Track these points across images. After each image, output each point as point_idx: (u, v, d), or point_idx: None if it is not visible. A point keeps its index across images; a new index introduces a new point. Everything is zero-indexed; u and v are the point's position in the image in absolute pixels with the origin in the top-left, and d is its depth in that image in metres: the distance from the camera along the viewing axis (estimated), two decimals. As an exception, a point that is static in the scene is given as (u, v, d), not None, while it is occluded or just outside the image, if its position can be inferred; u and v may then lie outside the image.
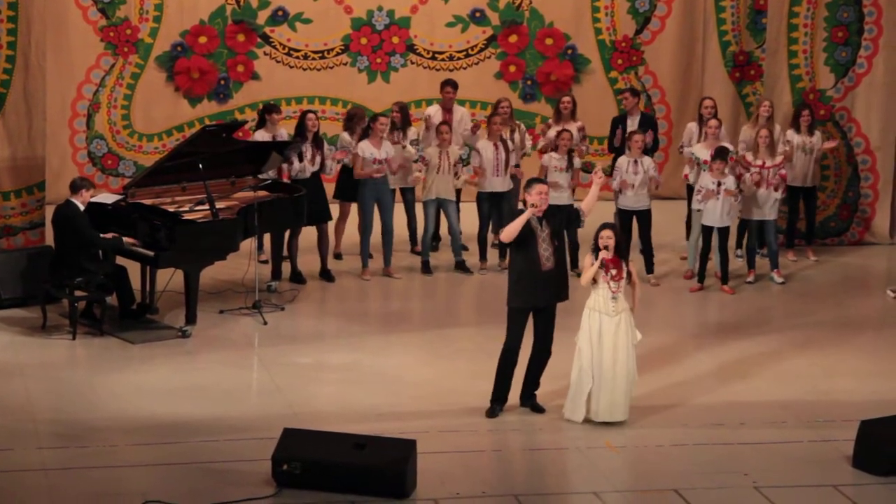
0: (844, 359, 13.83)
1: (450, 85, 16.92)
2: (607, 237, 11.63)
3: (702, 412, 12.25)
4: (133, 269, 14.28)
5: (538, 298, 11.73)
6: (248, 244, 14.72)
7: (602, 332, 11.68)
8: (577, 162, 16.04)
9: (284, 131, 16.08)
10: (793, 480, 11.00)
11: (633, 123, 16.71)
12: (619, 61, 19.40)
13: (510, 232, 11.64)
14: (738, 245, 16.91)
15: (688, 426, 12.00)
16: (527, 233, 11.66)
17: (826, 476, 11.08)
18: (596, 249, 11.67)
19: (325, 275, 15.81)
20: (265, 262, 15.73)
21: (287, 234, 15.56)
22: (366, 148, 15.72)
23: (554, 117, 16.95)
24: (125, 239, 13.92)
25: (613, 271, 11.65)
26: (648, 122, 16.95)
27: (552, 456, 11.15)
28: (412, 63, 19.06)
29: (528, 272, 11.68)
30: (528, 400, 12.03)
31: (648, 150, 16.21)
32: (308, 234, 15.76)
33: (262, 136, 15.89)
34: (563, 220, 11.93)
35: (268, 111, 16.12)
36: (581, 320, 11.80)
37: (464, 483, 10.78)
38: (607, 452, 11.40)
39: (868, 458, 11.17)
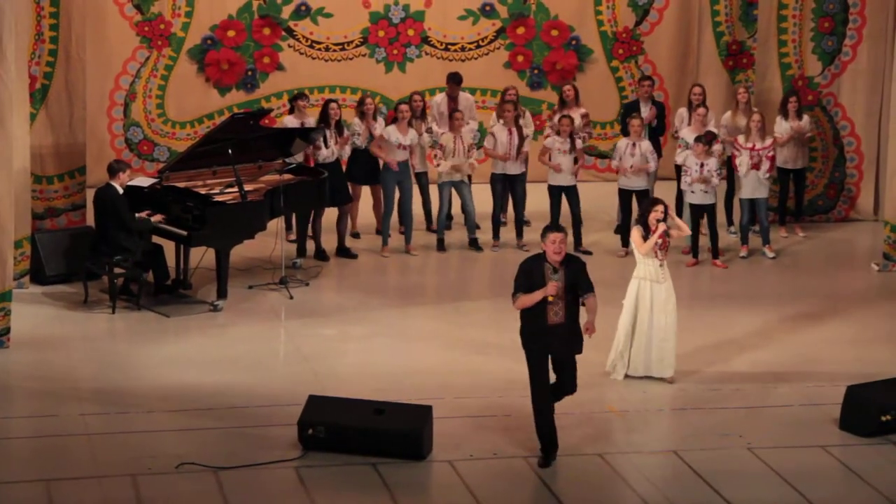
0: (832, 328, 13.80)
1: (452, 81, 16.88)
2: (660, 211, 11.91)
3: (699, 378, 12.23)
4: (168, 247, 14.29)
5: (546, 348, 10.48)
6: (275, 224, 14.72)
7: (654, 299, 11.94)
8: (578, 143, 16.00)
9: (312, 119, 16.07)
10: (784, 442, 10.99)
11: (645, 110, 16.68)
12: (621, 51, 19.33)
13: (521, 305, 10.38)
14: (730, 222, 16.88)
15: (686, 391, 11.99)
16: (538, 283, 10.35)
17: (815, 438, 11.08)
18: (643, 222, 11.92)
19: (344, 252, 15.80)
20: (294, 241, 15.73)
21: (312, 214, 15.57)
22: (392, 133, 15.73)
23: (558, 105, 16.91)
24: (153, 218, 13.96)
25: (660, 241, 11.91)
26: (661, 109, 16.93)
27: (558, 420, 11.12)
28: (426, 54, 19.00)
29: (533, 323, 10.44)
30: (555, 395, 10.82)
31: (655, 133, 16.20)
32: (328, 214, 15.74)
33: (291, 121, 15.91)
34: (581, 271, 10.44)
35: (296, 99, 16.17)
36: (629, 291, 12.00)
37: (477, 445, 10.79)
38: (610, 416, 11.40)
39: (854, 420, 11.16)
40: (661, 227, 11.90)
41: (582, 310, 10.53)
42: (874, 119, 17.47)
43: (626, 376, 12.08)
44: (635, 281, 12.05)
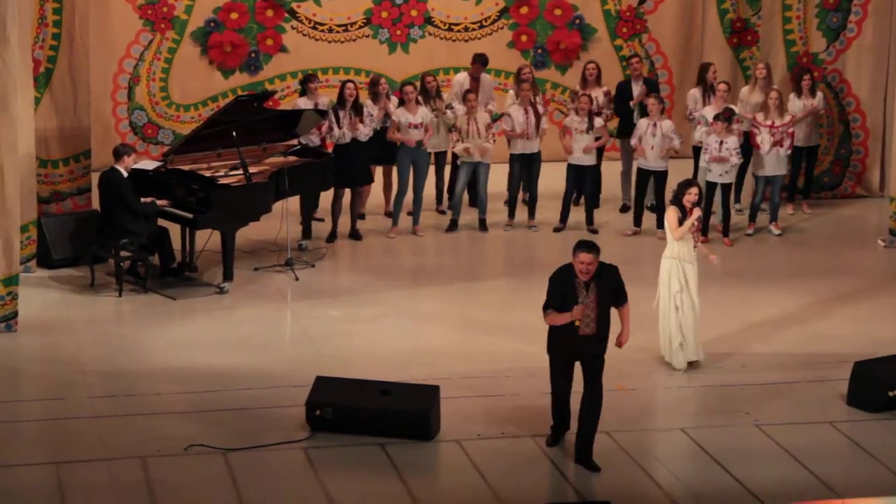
0: (838, 304, 13.80)
1: (478, 61, 16.94)
2: (695, 193, 11.82)
3: (706, 355, 12.23)
4: (174, 230, 14.31)
5: (573, 355, 10.25)
6: (280, 206, 14.71)
7: (688, 279, 11.89)
8: (597, 122, 15.94)
9: (325, 98, 16.09)
10: (791, 418, 11.00)
11: (637, 87, 16.66)
12: (624, 30, 19.30)
13: (552, 323, 10.11)
14: (737, 199, 16.87)
15: (693, 369, 11.99)
16: (568, 296, 10.02)
17: (822, 413, 11.09)
18: (678, 202, 11.82)
19: (355, 234, 15.81)
20: (321, 219, 15.76)
21: (332, 196, 15.56)
22: (402, 114, 15.72)
23: (581, 83, 16.92)
24: (158, 202, 13.98)
25: (695, 224, 11.89)
26: (652, 86, 16.91)
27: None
28: (430, 35, 18.98)
29: (563, 332, 10.12)
30: (582, 457, 10.34)
31: (645, 111, 16.20)
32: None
33: (304, 103, 15.92)
34: (615, 282, 10.17)
35: (307, 81, 16.18)
36: (663, 271, 11.89)
37: (484, 425, 10.81)
38: (619, 394, 11.40)
39: (861, 396, 11.18)
40: (697, 211, 11.82)
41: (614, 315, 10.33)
42: (879, 95, 17.45)
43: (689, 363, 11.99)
44: (668, 261, 11.91)
